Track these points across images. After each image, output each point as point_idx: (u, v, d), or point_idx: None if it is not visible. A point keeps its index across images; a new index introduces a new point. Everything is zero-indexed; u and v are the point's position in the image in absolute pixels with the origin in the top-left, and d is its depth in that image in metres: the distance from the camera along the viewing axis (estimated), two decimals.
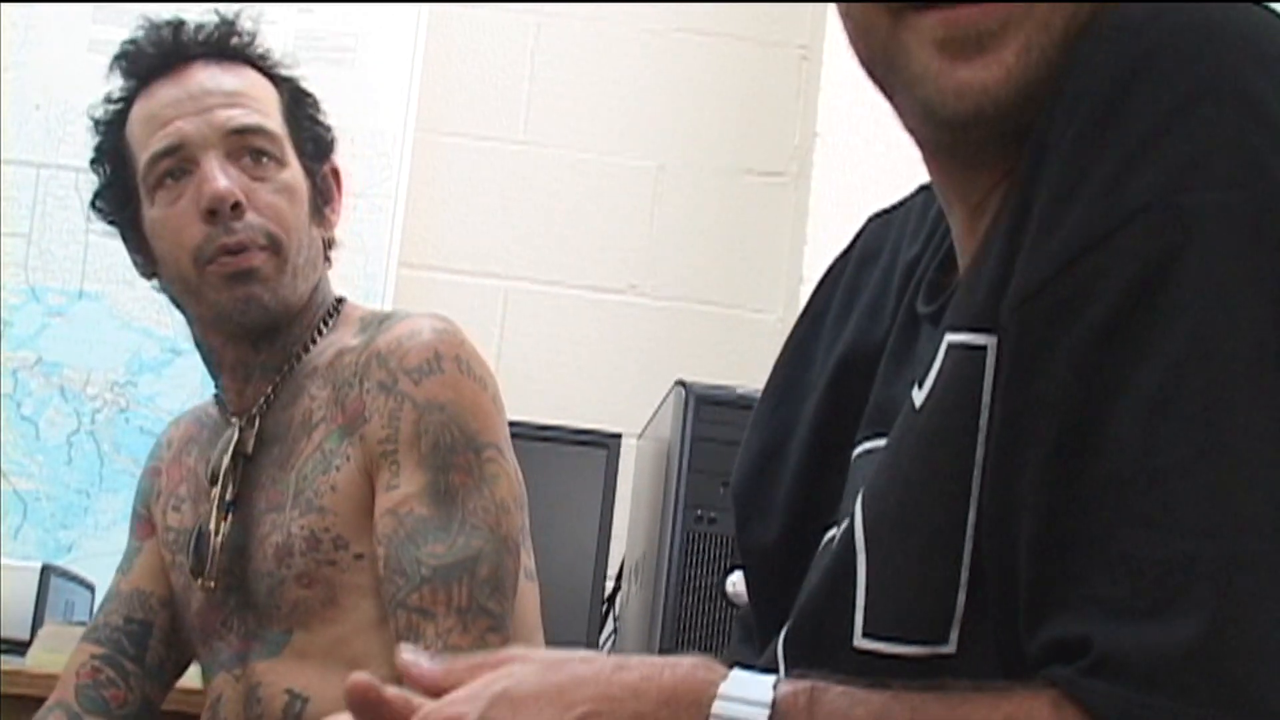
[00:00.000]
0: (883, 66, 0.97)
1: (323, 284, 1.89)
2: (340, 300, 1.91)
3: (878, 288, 1.13)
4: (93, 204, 1.89)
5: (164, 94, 1.83)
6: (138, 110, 1.84)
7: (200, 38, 1.85)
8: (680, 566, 2.27)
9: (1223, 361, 0.81)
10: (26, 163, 3.11)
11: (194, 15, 1.89)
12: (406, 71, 3.16)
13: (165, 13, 1.90)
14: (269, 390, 1.85)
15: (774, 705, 0.85)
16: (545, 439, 2.76)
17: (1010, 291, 0.87)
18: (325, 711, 1.41)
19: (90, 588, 2.79)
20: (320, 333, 1.87)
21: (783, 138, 3.22)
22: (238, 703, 1.81)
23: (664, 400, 2.49)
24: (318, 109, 1.91)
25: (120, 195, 1.86)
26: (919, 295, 1.08)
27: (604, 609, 2.75)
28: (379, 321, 1.86)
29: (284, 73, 1.90)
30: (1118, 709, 0.78)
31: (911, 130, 1.00)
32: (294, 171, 1.84)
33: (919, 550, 0.91)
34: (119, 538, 2.04)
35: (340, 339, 1.85)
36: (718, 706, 0.85)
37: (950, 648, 0.89)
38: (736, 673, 0.87)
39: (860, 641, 0.93)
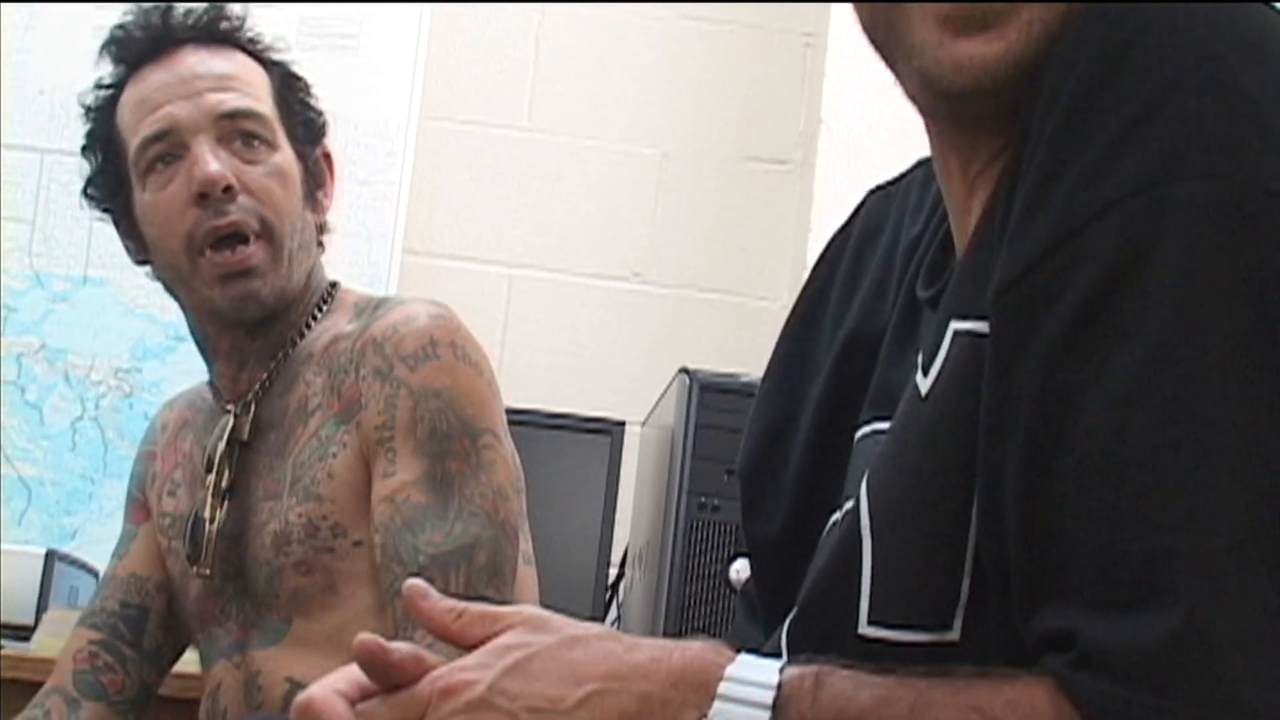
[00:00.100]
0: (884, 31, 0.98)
1: (317, 269, 1.88)
2: (334, 285, 1.91)
3: (881, 267, 1.14)
4: (85, 191, 1.88)
5: (154, 79, 1.82)
6: (128, 96, 1.84)
7: (190, 22, 1.85)
8: (684, 554, 2.27)
9: (1196, 352, 0.81)
10: (30, 148, 3.11)
11: (186, 1, 1.88)
12: (410, 58, 3.15)
13: None
14: (264, 376, 1.85)
15: (780, 688, 0.86)
16: (549, 426, 2.76)
17: (993, 280, 0.88)
18: None
19: (94, 573, 2.79)
20: (315, 318, 1.86)
21: (787, 125, 3.21)
22: (238, 690, 1.81)
23: (668, 387, 2.49)
24: (309, 93, 1.90)
25: (112, 181, 1.85)
26: (919, 278, 1.08)
27: (608, 596, 2.75)
28: (374, 307, 1.85)
29: (274, 57, 1.89)
30: (1101, 703, 0.79)
31: (912, 97, 1.00)
32: (285, 155, 1.84)
33: (924, 539, 0.92)
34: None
35: (335, 324, 1.85)
36: (724, 688, 0.86)
37: (954, 635, 0.90)
38: (744, 656, 0.88)
39: (866, 629, 0.94)
